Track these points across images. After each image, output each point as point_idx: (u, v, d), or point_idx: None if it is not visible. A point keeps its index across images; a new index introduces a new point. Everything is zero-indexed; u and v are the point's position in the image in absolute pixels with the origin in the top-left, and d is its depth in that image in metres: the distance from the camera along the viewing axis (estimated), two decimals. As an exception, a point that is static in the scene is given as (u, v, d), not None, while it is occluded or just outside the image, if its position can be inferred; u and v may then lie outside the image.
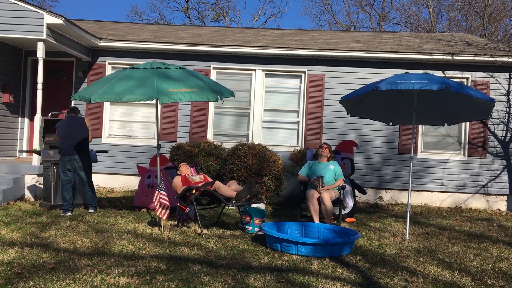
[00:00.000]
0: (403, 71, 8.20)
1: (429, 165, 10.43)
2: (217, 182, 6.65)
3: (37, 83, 9.03)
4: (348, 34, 14.29)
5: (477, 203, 10.37)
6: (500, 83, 10.42)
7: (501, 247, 6.25)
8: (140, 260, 4.84)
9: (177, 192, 6.79)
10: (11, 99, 10.33)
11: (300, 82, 10.73)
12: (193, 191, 6.51)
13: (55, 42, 9.09)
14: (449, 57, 10.23)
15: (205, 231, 6.39)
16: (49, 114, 9.47)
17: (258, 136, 10.60)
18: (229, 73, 10.80)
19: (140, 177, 8.62)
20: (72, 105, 10.64)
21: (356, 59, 10.50)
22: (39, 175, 8.89)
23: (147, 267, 4.61)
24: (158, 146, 6.74)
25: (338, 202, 7.08)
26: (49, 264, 4.58)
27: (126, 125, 10.89)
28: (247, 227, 6.49)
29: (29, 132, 10.81)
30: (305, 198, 6.95)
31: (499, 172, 10.34)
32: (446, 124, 7.72)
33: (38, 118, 8.90)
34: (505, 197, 10.38)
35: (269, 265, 4.89)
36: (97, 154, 9.18)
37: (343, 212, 7.58)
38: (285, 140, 10.65)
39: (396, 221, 7.94)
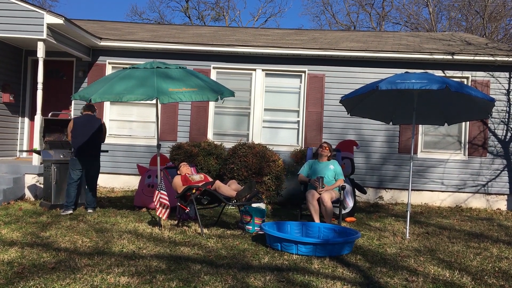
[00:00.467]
0: (403, 70, 8.21)
1: (429, 165, 10.43)
2: (217, 182, 6.65)
3: (37, 83, 9.03)
4: (348, 33, 14.29)
5: (477, 202, 10.37)
6: (500, 83, 10.42)
7: (501, 246, 6.26)
8: (141, 260, 4.84)
9: (177, 191, 6.79)
10: (11, 99, 10.33)
11: (300, 82, 10.73)
12: (193, 191, 6.52)
13: (55, 42, 9.09)
14: (449, 57, 10.23)
15: (205, 230, 6.40)
16: (49, 114, 9.47)
17: (258, 135, 10.60)
18: (229, 72, 10.80)
19: (140, 176, 8.63)
20: (73, 105, 10.68)
21: (356, 58, 10.50)
22: (39, 174, 8.89)
23: (148, 267, 4.61)
24: (158, 146, 6.75)
25: (338, 203, 7.08)
26: (49, 264, 4.59)
27: (126, 125, 10.90)
28: (247, 226, 6.49)
29: (29, 131, 10.81)
30: (305, 198, 6.95)
31: (499, 171, 10.34)
32: (446, 124, 7.72)
33: (38, 117, 8.90)
34: (505, 196, 10.38)
35: (270, 264, 4.89)
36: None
37: (343, 211, 7.58)
38: (285, 140, 10.65)
39: (396, 221, 7.95)
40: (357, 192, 8.84)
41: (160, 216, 6.34)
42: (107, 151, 9.28)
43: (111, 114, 10.85)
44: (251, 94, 10.73)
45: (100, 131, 7.74)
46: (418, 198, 10.45)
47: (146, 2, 48.02)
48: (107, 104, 10.75)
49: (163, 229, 6.35)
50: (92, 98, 5.93)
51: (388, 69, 10.26)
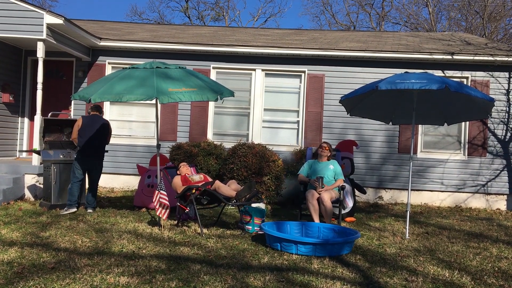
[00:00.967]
0: (402, 70, 8.21)
1: (429, 165, 10.43)
2: (217, 182, 6.65)
3: (37, 83, 9.03)
4: (348, 33, 14.29)
5: (477, 202, 10.37)
6: (499, 83, 10.43)
7: (500, 246, 6.26)
8: (140, 260, 4.85)
9: (177, 191, 6.80)
10: (11, 99, 10.33)
11: (300, 82, 10.74)
12: (193, 191, 6.52)
13: (55, 42, 9.09)
14: (449, 57, 10.24)
15: (205, 230, 6.40)
16: (49, 114, 9.47)
17: (258, 135, 10.61)
18: (229, 72, 10.80)
19: (140, 176, 8.63)
20: (72, 105, 10.68)
21: (356, 58, 10.51)
22: (39, 174, 8.89)
23: (147, 267, 4.61)
24: (158, 146, 6.75)
25: (338, 202, 7.08)
26: (49, 264, 4.59)
27: (126, 125, 10.90)
28: (247, 226, 6.49)
29: (29, 132, 10.81)
30: (305, 198, 6.95)
31: (499, 171, 10.34)
32: (445, 124, 7.72)
33: (38, 118, 8.90)
34: (505, 196, 10.38)
35: (269, 264, 4.89)
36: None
37: (343, 211, 7.59)
38: (285, 140, 10.66)
39: (396, 221, 7.95)
40: (356, 192, 8.84)
41: (160, 216, 6.34)
42: (107, 151, 9.27)
43: (111, 114, 10.85)
44: (250, 94, 10.73)
45: (106, 132, 7.78)
46: (418, 198, 10.45)
47: (146, 2, 48.04)
48: (107, 104, 10.75)
49: (162, 229, 6.35)
50: (92, 98, 5.93)
51: (388, 69, 10.27)
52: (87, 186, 7.95)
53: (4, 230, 5.99)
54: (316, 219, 6.77)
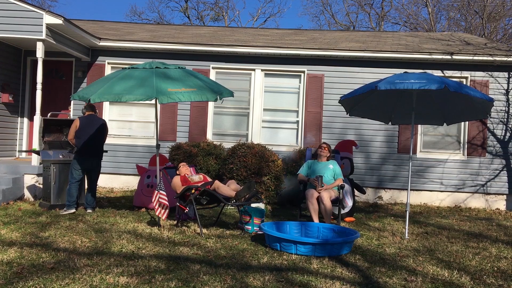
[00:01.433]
0: (402, 70, 8.21)
1: (429, 165, 10.44)
2: (217, 182, 6.65)
3: (36, 83, 9.03)
4: (347, 33, 14.29)
5: (477, 202, 10.38)
6: (499, 83, 10.43)
7: (500, 246, 6.26)
8: (140, 260, 4.85)
9: (176, 191, 6.80)
10: (11, 99, 10.33)
11: (300, 82, 10.74)
12: (193, 191, 6.52)
13: (54, 42, 9.09)
14: (448, 57, 10.24)
15: (204, 230, 6.40)
16: (49, 114, 9.46)
17: (257, 135, 10.61)
18: (228, 73, 10.80)
19: (139, 177, 8.63)
20: (72, 105, 10.67)
21: (355, 58, 10.51)
22: (38, 175, 8.89)
23: (147, 267, 4.61)
24: (158, 146, 6.75)
25: (338, 202, 7.09)
26: (48, 264, 4.59)
27: (126, 125, 10.90)
28: (246, 226, 6.49)
29: (28, 132, 10.81)
30: (305, 198, 6.96)
31: (498, 171, 10.35)
32: (445, 124, 7.72)
33: (37, 118, 8.90)
34: (504, 196, 10.39)
35: (269, 264, 4.89)
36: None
37: (343, 211, 7.59)
38: (285, 140, 10.66)
39: (395, 221, 7.95)
40: (356, 192, 8.84)
41: (159, 216, 6.34)
42: (106, 151, 9.25)
43: (110, 114, 10.85)
44: (250, 94, 10.73)
45: (103, 131, 7.76)
46: (417, 198, 10.45)
47: (146, 2, 48.07)
48: (106, 104, 10.75)
49: (162, 229, 6.35)
50: (92, 98, 5.93)
51: (387, 69, 10.27)
52: (86, 186, 7.94)
53: (3, 230, 5.99)
54: (316, 219, 6.77)
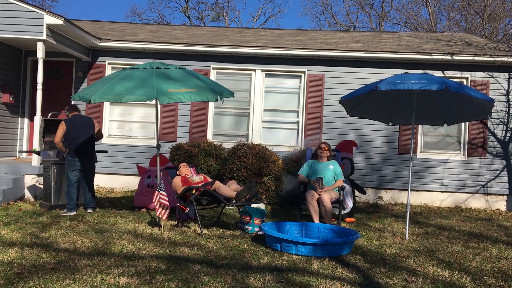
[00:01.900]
0: (402, 71, 8.22)
1: (429, 165, 10.44)
2: (217, 182, 6.65)
3: (37, 83, 9.03)
4: (347, 34, 14.30)
5: (477, 203, 10.37)
6: (499, 83, 10.43)
7: (500, 247, 6.26)
8: (140, 260, 4.85)
9: (177, 192, 6.80)
10: (11, 99, 10.34)
11: (300, 82, 10.74)
12: (193, 191, 6.52)
13: (54, 43, 9.09)
14: (449, 57, 10.24)
15: (205, 231, 6.40)
16: (49, 114, 9.47)
17: (258, 136, 10.61)
18: (229, 73, 10.80)
19: (140, 177, 8.63)
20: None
21: (355, 59, 10.51)
22: (39, 175, 8.89)
23: (147, 267, 4.61)
24: (158, 146, 6.75)
25: (338, 203, 7.08)
26: (49, 264, 4.59)
27: (126, 125, 10.90)
28: (247, 227, 6.49)
29: (29, 132, 10.81)
30: (305, 199, 6.95)
31: (498, 172, 10.35)
32: (445, 124, 7.72)
33: (38, 118, 8.90)
34: (505, 197, 10.39)
35: (269, 265, 4.89)
36: (97, 154, 9.18)
37: (343, 212, 7.59)
38: (285, 140, 10.66)
39: (395, 221, 7.95)
40: (356, 193, 8.84)
41: (160, 216, 6.34)
42: (106, 151, 9.30)
43: (110, 114, 10.85)
44: (250, 95, 10.73)
45: (91, 128, 7.71)
46: (418, 199, 10.45)
47: (146, 2, 48.08)
48: (106, 105, 10.75)
49: (162, 230, 6.35)
50: (92, 99, 5.93)
51: (388, 70, 10.27)
52: (85, 186, 7.93)
53: (4, 231, 5.99)
54: (316, 220, 6.77)
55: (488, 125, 10.42)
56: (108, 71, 10.83)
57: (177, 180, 6.88)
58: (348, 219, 7.73)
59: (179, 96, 5.92)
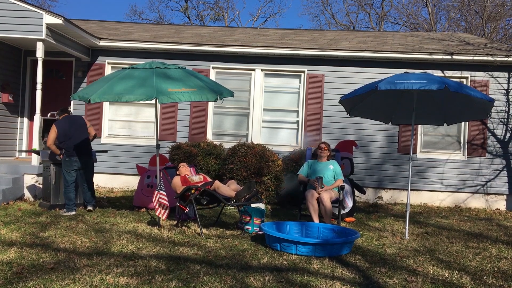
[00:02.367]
0: (402, 70, 8.20)
1: (429, 165, 10.43)
2: (217, 182, 6.65)
3: (36, 83, 9.03)
4: (347, 33, 14.29)
5: (477, 202, 10.37)
6: (499, 83, 10.43)
7: (500, 246, 6.26)
8: (140, 260, 4.84)
9: (176, 192, 6.79)
10: (11, 99, 10.33)
11: (300, 82, 10.74)
12: (193, 191, 6.52)
13: (54, 42, 9.09)
14: (449, 57, 10.24)
15: (204, 231, 6.39)
16: (49, 114, 9.47)
17: (257, 135, 10.60)
18: (228, 73, 10.79)
19: (139, 177, 8.62)
20: (72, 105, 10.67)
21: (355, 58, 10.51)
22: (38, 175, 8.89)
23: (147, 267, 4.61)
24: (158, 146, 6.75)
25: (338, 202, 7.08)
26: (48, 264, 4.58)
27: (126, 125, 10.89)
28: (246, 226, 6.49)
29: (28, 132, 10.80)
30: (305, 198, 6.95)
31: (498, 171, 10.35)
32: (445, 124, 7.73)
33: (37, 118, 8.89)
34: (505, 196, 10.38)
35: (269, 264, 4.89)
36: (97, 154, 9.18)
37: (343, 211, 7.58)
38: (285, 140, 10.66)
39: (395, 221, 7.95)
40: (356, 192, 8.84)
41: (160, 216, 6.34)
42: (106, 151, 9.29)
43: (110, 114, 10.84)
44: (250, 94, 10.73)
45: (84, 127, 7.72)
46: (418, 198, 10.45)
47: (146, 2, 48.05)
48: (106, 104, 10.74)
49: (162, 229, 6.35)
50: (92, 98, 5.93)
51: (387, 69, 10.26)
52: (84, 185, 7.92)
53: (3, 230, 5.99)
54: (316, 219, 6.77)
55: (488, 125, 10.42)
56: (108, 70, 10.82)
57: (176, 180, 6.88)
58: (347, 219, 7.73)
59: (178, 95, 5.92)
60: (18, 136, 10.82)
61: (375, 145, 10.51)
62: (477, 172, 10.37)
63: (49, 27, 8.87)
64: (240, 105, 10.76)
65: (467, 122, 10.33)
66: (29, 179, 8.88)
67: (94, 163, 8.06)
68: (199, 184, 6.70)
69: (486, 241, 6.55)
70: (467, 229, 7.47)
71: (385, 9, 29.81)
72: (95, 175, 8.22)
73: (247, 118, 10.75)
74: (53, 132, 7.47)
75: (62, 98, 10.78)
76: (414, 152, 10.45)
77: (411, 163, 6.92)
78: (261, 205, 7.04)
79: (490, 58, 10.18)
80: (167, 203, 6.30)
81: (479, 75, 10.45)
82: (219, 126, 10.81)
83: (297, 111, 10.70)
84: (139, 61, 9.67)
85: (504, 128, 10.43)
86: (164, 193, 6.33)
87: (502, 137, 10.42)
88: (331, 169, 7.23)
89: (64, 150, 7.51)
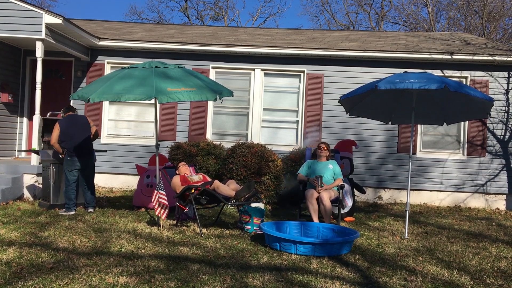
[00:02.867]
0: (402, 70, 8.20)
1: (428, 165, 10.43)
2: (216, 182, 6.65)
3: (36, 82, 9.02)
4: (347, 33, 14.29)
5: (476, 202, 10.37)
6: (499, 82, 10.43)
7: (500, 246, 6.26)
8: (139, 260, 4.84)
9: (176, 191, 6.79)
10: (10, 98, 10.32)
11: (299, 82, 10.73)
12: (192, 191, 6.51)
13: (54, 42, 9.08)
14: (448, 57, 10.24)
15: (204, 230, 6.39)
16: (48, 114, 9.46)
17: (257, 135, 10.60)
18: (228, 72, 10.79)
19: (139, 176, 8.62)
20: (71, 104, 10.65)
21: (355, 58, 10.50)
22: (38, 174, 8.88)
23: (146, 267, 4.61)
24: (157, 146, 6.74)
25: (337, 202, 7.08)
26: (48, 264, 4.58)
27: (125, 125, 10.89)
28: (246, 226, 6.49)
29: (28, 131, 10.80)
30: (304, 198, 6.95)
31: (498, 171, 10.35)
32: (445, 123, 7.72)
33: (37, 117, 8.89)
34: (504, 196, 10.38)
35: (268, 264, 4.88)
36: (96, 153, 9.17)
37: (342, 211, 7.58)
38: (284, 140, 10.65)
39: (395, 220, 7.95)
40: (356, 192, 8.84)
41: (159, 216, 6.34)
42: (105, 151, 9.28)
43: (110, 113, 10.84)
44: (250, 94, 10.72)
45: (87, 127, 7.72)
46: (417, 198, 10.45)
47: (145, 2, 48.07)
48: (106, 104, 10.74)
49: (162, 229, 6.34)
50: (91, 98, 5.93)
51: (387, 69, 10.26)
52: (85, 185, 7.92)
53: (3, 230, 5.98)
54: (315, 219, 6.76)
55: (488, 125, 10.42)
56: (107, 70, 10.81)
57: (176, 180, 6.87)
58: (347, 219, 7.72)
59: (178, 95, 5.91)
60: (17, 135, 10.82)
61: (374, 144, 10.51)
62: (476, 172, 10.37)
63: (49, 26, 8.86)
64: (240, 104, 10.75)
65: (467, 122, 10.33)
66: (29, 179, 8.87)
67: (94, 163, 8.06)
68: (199, 184, 6.69)
69: (485, 241, 6.55)
70: (467, 229, 7.47)
71: (384, 9, 29.82)
72: (95, 175, 8.21)
73: (247, 117, 10.75)
74: (56, 130, 7.48)
75: (62, 97, 10.77)
76: (414, 152, 10.45)
77: (410, 163, 6.91)
78: (261, 205, 7.04)
79: (489, 58, 10.18)
80: (166, 202, 6.30)
81: (479, 75, 10.45)
82: (218, 126, 10.80)
83: (296, 111, 10.69)
84: (139, 61, 9.67)
85: (504, 128, 10.42)
86: (164, 193, 6.33)
87: (501, 136, 10.42)
88: (330, 169, 7.23)
89: (66, 149, 7.51)
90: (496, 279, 4.70)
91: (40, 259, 4.77)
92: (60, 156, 7.70)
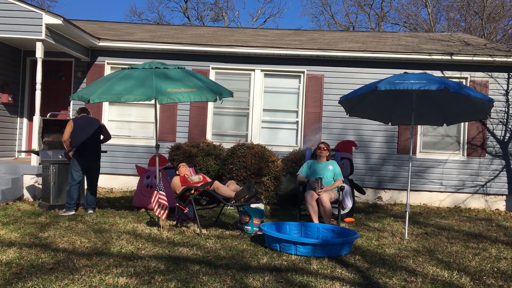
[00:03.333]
0: (402, 71, 8.21)
1: (428, 165, 10.43)
2: (216, 182, 6.64)
3: (36, 83, 9.02)
4: (347, 34, 14.30)
5: (476, 203, 10.37)
6: (499, 83, 10.43)
7: (500, 247, 6.26)
8: (139, 260, 4.84)
9: (176, 192, 6.79)
10: (10, 99, 10.32)
11: (299, 82, 10.74)
12: (192, 191, 6.51)
13: (54, 42, 9.08)
14: (448, 57, 10.24)
15: (204, 231, 6.39)
16: (48, 114, 9.45)
17: (257, 136, 10.60)
18: (228, 73, 10.79)
19: (139, 177, 8.62)
20: (71, 105, 10.67)
21: (355, 59, 10.51)
22: (38, 175, 8.88)
23: (146, 267, 4.61)
24: (157, 146, 6.74)
25: (337, 203, 7.08)
26: (48, 264, 4.58)
27: (125, 125, 10.89)
28: (246, 227, 6.49)
29: (27, 132, 10.80)
30: (304, 199, 6.95)
31: (498, 172, 10.35)
32: (445, 124, 7.72)
33: (36, 118, 8.88)
34: (504, 197, 10.39)
35: (268, 265, 4.88)
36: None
37: (342, 212, 7.58)
38: (284, 140, 10.65)
39: (395, 221, 7.95)
40: (356, 193, 8.84)
41: (159, 216, 6.34)
42: (105, 151, 9.26)
43: (110, 114, 10.84)
44: (250, 95, 10.73)
45: (99, 130, 7.76)
46: (417, 199, 10.45)
47: (145, 2, 48.09)
48: (106, 105, 10.74)
49: (161, 230, 6.34)
50: (91, 99, 5.93)
51: (387, 70, 10.27)
52: (85, 186, 7.93)
53: (2, 231, 5.98)
54: (315, 220, 6.76)
55: (488, 125, 10.42)
56: (107, 71, 10.82)
57: (176, 180, 6.87)
58: (347, 219, 7.72)
59: (178, 96, 5.91)
60: (17, 136, 10.82)
61: (374, 145, 10.51)
62: (476, 173, 10.37)
63: (49, 27, 8.86)
64: (240, 105, 10.76)
65: (467, 123, 10.33)
66: (29, 180, 8.87)
67: None
68: (199, 184, 6.69)
69: (485, 242, 6.55)
70: (467, 230, 7.47)
71: (384, 9, 29.84)
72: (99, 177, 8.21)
73: (247, 118, 10.75)
74: (69, 127, 7.52)
75: (62, 98, 10.78)
76: (414, 153, 10.45)
77: (410, 164, 6.91)
78: (261, 206, 7.04)
79: (489, 59, 10.19)
80: (166, 203, 6.30)
81: (479, 76, 10.45)
82: (218, 127, 10.80)
83: (296, 112, 10.70)
84: (139, 62, 9.67)
85: (504, 129, 10.43)
86: (164, 194, 6.33)
87: (501, 137, 10.42)
88: (330, 170, 7.22)
89: (74, 149, 7.53)
90: (496, 279, 4.70)
91: (40, 259, 4.77)
92: (68, 153, 7.71)
